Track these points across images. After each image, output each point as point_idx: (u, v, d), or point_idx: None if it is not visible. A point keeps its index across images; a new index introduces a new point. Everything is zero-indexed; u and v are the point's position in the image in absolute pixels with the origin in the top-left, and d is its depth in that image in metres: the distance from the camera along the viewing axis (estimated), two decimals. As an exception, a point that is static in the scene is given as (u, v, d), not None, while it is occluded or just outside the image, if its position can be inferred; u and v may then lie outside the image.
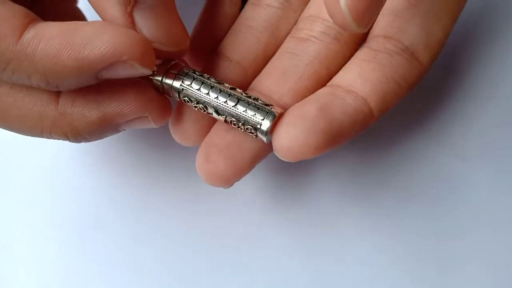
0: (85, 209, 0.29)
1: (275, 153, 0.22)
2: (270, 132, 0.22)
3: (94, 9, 0.21)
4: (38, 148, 0.30)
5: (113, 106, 0.22)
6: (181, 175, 0.29)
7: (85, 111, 0.22)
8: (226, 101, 0.22)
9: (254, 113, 0.22)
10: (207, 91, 0.23)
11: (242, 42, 0.25)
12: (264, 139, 0.22)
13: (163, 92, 0.23)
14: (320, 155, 0.22)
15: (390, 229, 0.28)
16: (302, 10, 0.26)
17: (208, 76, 0.23)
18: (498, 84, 0.30)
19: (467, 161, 0.29)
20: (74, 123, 0.22)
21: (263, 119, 0.22)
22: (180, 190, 0.29)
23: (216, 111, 0.23)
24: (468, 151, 0.29)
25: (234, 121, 0.22)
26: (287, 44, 0.25)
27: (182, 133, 0.24)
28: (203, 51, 0.26)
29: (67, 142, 0.23)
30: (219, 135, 0.24)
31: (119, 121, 0.22)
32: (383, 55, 0.23)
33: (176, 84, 0.23)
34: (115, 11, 0.21)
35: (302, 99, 0.23)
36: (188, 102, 0.23)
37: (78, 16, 0.27)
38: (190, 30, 0.26)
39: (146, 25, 0.21)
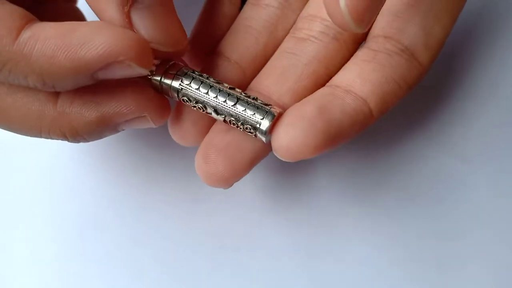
0: (84, 209, 0.29)
1: (274, 153, 0.22)
2: (269, 131, 0.22)
3: (92, 9, 0.21)
4: (37, 148, 0.30)
5: (112, 106, 0.22)
6: (180, 175, 0.29)
7: (83, 111, 0.22)
8: (225, 100, 0.22)
9: (253, 113, 0.22)
10: (206, 91, 0.23)
11: (241, 42, 0.25)
12: (263, 139, 0.22)
13: (162, 92, 0.23)
14: (319, 155, 0.22)
15: (390, 229, 0.28)
16: (301, 10, 0.26)
17: (207, 76, 0.23)
18: (498, 84, 0.30)
19: (467, 161, 0.29)
20: (73, 122, 0.22)
21: (262, 119, 0.22)
22: (179, 190, 0.29)
23: (215, 111, 0.23)
24: (468, 151, 0.29)
25: (233, 120, 0.22)
26: (286, 44, 0.25)
27: (181, 133, 0.24)
28: (202, 51, 0.26)
29: (66, 142, 0.23)
30: (218, 136, 0.23)
31: (118, 120, 0.22)
32: (382, 55, 0.23)
33: (175, 83, 0.23)
34: (113, 11, 0.21)
35: (301, 99, 0.23)
36: (187, 101, 0.23)
37: (78, 16, 0.27)
38: (189, 30, 0.26)
39: (144, 25, 0.21)
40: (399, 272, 0.27)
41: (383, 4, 0.23)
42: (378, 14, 0.24)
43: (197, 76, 0.23)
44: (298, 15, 0.26)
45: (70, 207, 0.29)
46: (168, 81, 0.23)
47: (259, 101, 0.23)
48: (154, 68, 0.23)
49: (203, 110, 0.23)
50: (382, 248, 0.28)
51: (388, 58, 0.23)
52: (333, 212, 0.28)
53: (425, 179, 0.29)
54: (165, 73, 0.23)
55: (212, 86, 0.23)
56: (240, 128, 0.22)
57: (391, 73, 0.23)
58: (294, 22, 0.26)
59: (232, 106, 0.22)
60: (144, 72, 0.20)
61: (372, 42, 0.24)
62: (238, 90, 0.23)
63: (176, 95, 0.23)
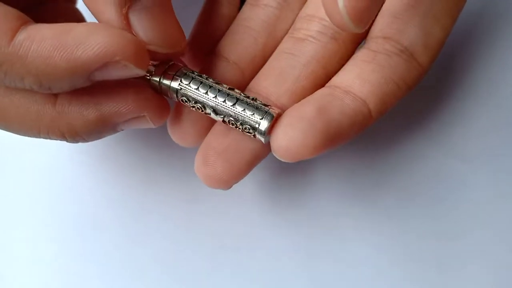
0: (83, 209, 0.29)
1: (273, 153, 0.22)
2: (268, 132, 0.22)
3: (90, 11, 0.21)
4: (36, 148, 0.30)
5: (111, 106, 0.22)
6: (180, 176, 0.29)
7: (82, 111, 0.22)
8: (224, 100, 0.22)
9: (252, 113, 0.22)
10: (205, 91, 0.23)
11: (240, 42, 0.25)
12: (262, 139, 0.22)
13: (161, 92, 0.23)
14: (319, 156, 0.22)
15: (390, 229, 0.28)
16: (300, 10, 0.26)
17: (207, 76, 0.23)
18: (498, 84, 0.30)
19: (467, 161, 0.29)
20: (72, 123, 0.22)
21: (261, 119, 0.22)
22: (178, 190, 0.29)
23: (214, 111, 0.23)
24: (468, 151, 0.29)
25: (232, 120, 0.22)
26: (285, 44, 0.25)
27: (181, 133, 0.25)
28: (201, 52, 0.26)
29: (65, 142, 0.23)
30: (217, 138, 0.24)
31: (117, 120, 0.22)
32: (382, 56, 0.23)
33: (174, 84, 0.23)
34: (111, 13, 0.21)
35: (299, 100, 0.23)
36: (186, 102, 0.23)
37: (77, 16, 0.27)
38: (188, 31, 0.26)
39: (142, 27, 0.21)
40: (399, 272, 0.27)
41: (382, 4, 0.23)
42: (377, 14, 0.24)
43: (196, 77, 0.23)
44: (297, 15, 0.26)
45: (69, 207, 0.29)
46: (167, 82, 0.23)
47: (258, 101, 0.23)
48: (153, 69, 0.23)
49: (202, 111, 0.23)
50: (382, 248, 0.28)
51: (387, 59, 0.23)
52: (333, 212, 0.28)
53: (425, 179, 0.29)
54: (164, 73, 0.23)
55: (211, 86, 0.23)
56: (239, 129, 0.23)
57: (390, 74, 0.23)
58: (293, 22, 0.26)
59: (231, 106, 0.22)
60: (140, 72, 0.20)
61: (372, 42, 0.24)
62: (237, 90, 0.23)
63: (175, 95, 0.23)
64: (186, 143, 0.25)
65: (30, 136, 0.23)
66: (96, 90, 0.22)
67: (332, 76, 0.24)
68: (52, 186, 0.29)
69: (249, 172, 0.24)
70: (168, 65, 0.23)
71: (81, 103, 0.22)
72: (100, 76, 0.20)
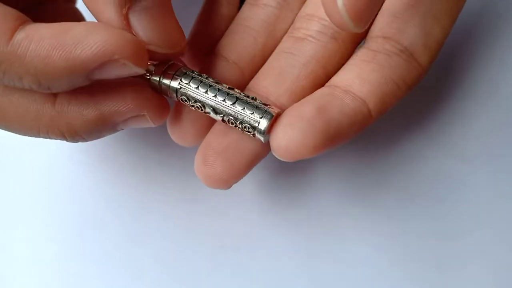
0: (83, 209, 0.29)
1: (273, 153, 0.22)
2: (267, 131, 0.22)
3: (90, 11, 0.21)
4: (36, 148, 0.30)
5: (111, 105, 0.22)
6: (180, 175, 0.29)
7: (82, 110, 0.22)
8: (224, 99, 0.22)
9: (252, 112, 0.22)
10: (205, 90, 0.23)
11: (239, 42, 0.25)
12: (262, 138, 0.22)
13: (161, 92, 0.23)
14: (319, 155, 0.22)
15: (390, 229, 0.28)
16: (300, 9, 0.26)
17: (206, 76, 0.23)
18: (498, 84, 0.30)
19: (467, 161, 0.29)
20: (72, 122, 0.22)
21: (261, 117, 0.22)
22: (178, 190, 0.29)
23: (214, 110, 0.23)
24: (468, 152, 0.29)
25: (231, 119, 0.22)
26: (284, 44, 0.25)
27: (180, 133, 0.25)
28: (201, 51, 0.26)
29: (65, 142, 0.23)
30: (216, 138, 0.24)
31: (117, 119, 0.22)
32: (381, 55, 0.23)
33: (174, 83, 0.23)
34: (111, 13, 0.21)
35: (299, 100, 0.23)
36: (185, 101, 0.23)
37: (77, 16, 0.27)
38: (188, 31, 0.26)
39: (142, 27, 0.21)
40: (399, 272, 0.27)
41: (382, 4, 0.23)
42: (377, 14, 0.24)
43: (196, 76, 0.23)
44: (297, 14, 0.26)
45: (69, 207, 0.29)
46: (167, 81, 0.23)
47: (257, 101, 0.23)
48: (153, 68, 0.23)
49: (202, 110, 0.23)
50: (382, 248, 0.28)
51: (387, 59, 0.23)
52: (333, 212, 0.28)
53: (425, 179, 0.29)
54: (163, 73, 0.23)
55: (211, 85, 0.23)
56: (239, 128, 0.23)
57: (390, 74, 0.23)
58: (293, 22, 0.26)
59: (230, 105, 0.22)
60: (139, 71, 0.20)
61: (372, 42, 0.24)
62: (237, 90, 0.23)
63: (174, 95, 0.23)
64: (186, 143, 0.25)
65: (30, 136, 0.23)
66: (96, 90, 0.22)
67: (332, 75, 0.24)
68: (51, 186, 0.29)
69: (248, 171, 0.24)
70: (168, 65, 0.23)
71: (81, 102, 0.22)
72: (99, 75, 0.20)
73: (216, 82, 0.23)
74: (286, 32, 0.25)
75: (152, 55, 0.22)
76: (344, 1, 0.19)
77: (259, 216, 0.29)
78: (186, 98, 0.23)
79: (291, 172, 0.29)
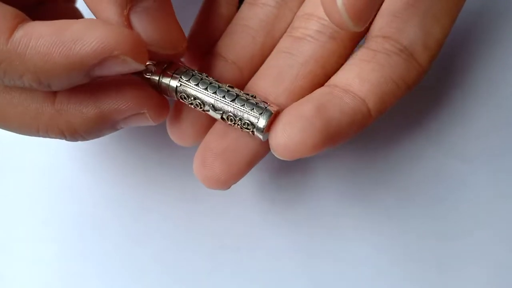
0: (83, 209, 0.29)
1: (272, 151, 0.22)
2: (266, 129, 0.22)
3: (91, 11, 0.21)
4: (36, 148, 0.30)
5: (110, 103, 0.22)
6: (180, 175, 0.29)
7: (82, 108, 0.22)
8: (223, 96, 0.22)
9: (251, 108, 0.22)
10: (205, 87, 0.23)
11: (238, 42, 0.25)
12: (261, 136, 0.22)
13: (161, 91, 0.23)
14: (319, 155, 0.22)
15: (390, 229, 0.28)
16: (298, 9, 0.26)
17: (206, 75, 0.23)
18: (498, 84, 0.30)
19: (467, 161, 0.29)
20: (71, 120, 0.22)
21: (261, 113, 0.22)
22: (178, 190, 0.29)
23: (213, 107, 0.23)
24: (468, 151, 0.29)
25: (231, 116, 0.22)
26: (283, 44, 0.25)
27: (180, 133, 0.25)
28: (200, 51, 0.26)
29: (64, 141, 0.23)
30: (215, 139, 0.24)
31: (117, 118, 0.22)
32: (381, 55, 0.23)
33: (174, 81, 0.23)
34: (112, 14, 0.21)
35: (297, 100, 0.23)
36: (185, 98, 0.23)
37: (77, 16, 0.27)
38: (187, 30, 0.26)
39: (143, 28, 0.21)
40: (399, 272, 0.27)
41: (381, 3, 0.23)
42: (376, 13, 0.24)
43: (196, 74, 0.23)
44: (295, 13, 0.26)
45: (69, 207, 0.29)
46: (167, 80, 0.23)
47: (257, 99, 0.23)
48: (153, 68, 0.23)
49: (201, 107, 0.23)
50: (382, 248, 0.28)
51: (387, 58, 0.23)
52: (333, 212, 0.28)
53: (425, 179, 0.29)
54: (163, 72, 0.23)
55: (211, 83, 0.23)
56: (238, 125, 0.23)
57: (390, 73, 0.23)
58: (292, 21, 0.26)
59: (230, 101, 0.22)
60: (139, 67, 0.20)
61: (371, 42, 0.24)
62: (236, 89, 0.23)
63: (174, 93, 0.23)
64: (185, 143, 0.25)
65: (29, 135, 0.23)
66: (96, 88, 0.22)
67: (331, 75, 0.24)
68: (51, 186, 0.29)
69: (248, 172, 0.24)
70: (168, 64, 0.23)
71: (81, 100, 0.22)
72: (99, 71, 0.20)
73: (216, 81, 0.23)
74: (285, 32, 0.25)
75: (152, 55, 0.22)
76: (344, 0, 0.19)
77: (259, 216, 0.29)
78: (185, 96, 0.23)
79: (291, 172, 0.29)
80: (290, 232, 0.28)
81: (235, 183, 0.24)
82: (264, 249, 0.28)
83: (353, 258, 0.28)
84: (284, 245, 0.28)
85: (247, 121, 0.22)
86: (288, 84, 0.24)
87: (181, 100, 0.23)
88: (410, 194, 0.29)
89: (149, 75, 0.23)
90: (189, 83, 0.23)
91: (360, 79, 0.23)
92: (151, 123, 0.23)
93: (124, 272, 0.28)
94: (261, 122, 0.22)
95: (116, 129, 0.23)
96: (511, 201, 0.28)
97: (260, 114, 0.22)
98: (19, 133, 0.23)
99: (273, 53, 0.25)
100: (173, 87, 0.23)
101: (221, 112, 0.23)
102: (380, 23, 0.24)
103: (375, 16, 0.24)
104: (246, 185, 0.29)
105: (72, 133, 0.22)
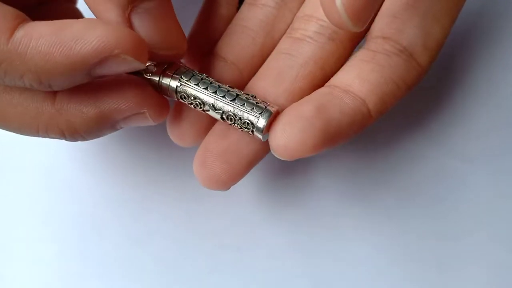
0: (83, 209, 0.29)
1: (272, 152, 0.22)
2: (266, 128, 0.22)
3: (93, 12, 0.21)
4: (36, 148, 0.30)
5: (111, 102, 0.22)
6: (180, 175, 0.29)
7: (82, 108, 0.22)
8: (224, 95, 0.22)
9: (251, 108, 0.22)
10: (205, 86, 0.23)
11: (238, 42, 0.25)
12: (260, 136, 0.22)
13: (161, 91, 0.23)
14: (319, 155, 0.22)
15: (390, 229, 0.28)
16: (298, 9, 0.26)
17: (206, 75, 0.23)
18: (498, 84, 0.30)
19: (467, 161, 0.29)
20: (71, 120, 0.22)
21: (260, 113, 0.22)
22: (178, 190, 0.29)
23: (213, 106, 0.23)
24: (468, 152, 0.29)
25: (231, 115, 0.22)
26: (282, 45, 0.25)
27: (179, 134, 0.25)
28: (200, 52, 0.26)
29: (64, 142, 0.23)
30: (215, 140, 0.24)
31: (117, 117, 0.22)
32: (381, 56, 0.23)
33: (175, 81, 0.23)
34: (114, 15, 0.21)
35: (297, 100, 0.23)
36: (185, 98, 0.23)
37: (78, 17, 0.27)
38: (187, 30, 0.26)
39: (144, 29, 0.21)
40: (399, 272, 0.27)
41: (381, 3, 0.23)
42: (375, 13, 0.24)
43: (197, 74, 0.23)
44: (295, 14, 0.26)
45: (69, 207, 0.29)
46: (167, 80, 0.23)
47: (257, 98, 0.23)
48: (154, 68, 0.23)
49: (201, 107, 0.23)
50: (382, 248, 0.28)
51: (387, 59, 0.23)
52: (333, 212, 0.28)
53: (425, 179, 0.29)
54: (163, 72, 0.23)
55: (212, 83, 0.23)
56: (238, 124, 0.23)
57: (390, 74, 0.23)
58: (291, 22, 0.26)
59: (230, 101, 0.22)
60: (140, 66, 0.20)
61: (371, 43, 0.24)
62: (236, 89, 0.23)
63: (174, 94, 0.23)
64: (185, 143, 0.25)
65: (29, 135, 0.23)
66: (96, 87, 0.22)
67: (330, 76, 0.24)
68: (51, 186, 0.30)
69: (247, 172, 0.24)
70: (168, 65, 0.23)
71: (81, 100, 0.22)
72: (100, 71, 0.20)
73: (216, 81, 0.23)
74: (284, 32, 0.25)
75: (153, 56, 0.22)
76: (343, 1, 0.19)
77: (259, 216, 0.29)
78: (185, 96, 0.23)
79: (291, 172, 0.29)
80: (290, 232, 0.28)
81: (235, 184, 0.24)
82: (264, 249, 0.28)
83: (353, 258, 0.28)
84: (284, 245, 0.28)
85: (247, 120, 0.22)
86: (287, 85, 0.24)
87: (181, 100, 0.23)
88: (410, 194, 0.29)
89: (149, 76, 0.23)
90: (189, 83, 0.23)
91: (360, 80, 0.23)
92: (151, 123, 0.23)
93: (124, 272, 0.28)
94: (261, 122, 0.22)
95: (116, 129, 0.23)
96: (511, 201, 0.28)
97: (260, 113, 0.22)
98: (19, 133, 0.23)
99: (272, 54, 0.25)
100: (173, 87, 0.23)
101: (221, 111, 0.23)
102: (380, 24, 0.24)
103: (374, 16, 0.24)
104: (246, 185, 0.29)
105: (72, 133, 0.22)
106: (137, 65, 0.20)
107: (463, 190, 0.28)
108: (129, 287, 0.28)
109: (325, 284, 0.27)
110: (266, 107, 0.22)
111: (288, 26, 0.26)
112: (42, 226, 0.29)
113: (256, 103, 0.22)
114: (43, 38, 0.19)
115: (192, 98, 0.23)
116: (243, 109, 0.22)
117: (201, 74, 0.23)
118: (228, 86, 0.23)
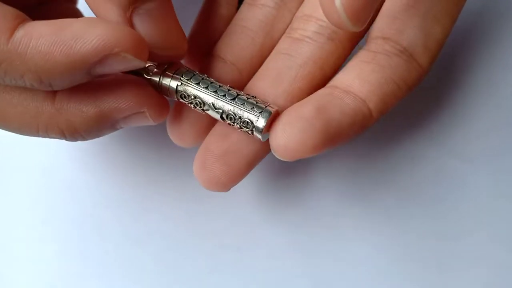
0: (83, 209, 0.29)
1: (272, 152, 0.22)
2: (265, 128, 0.22)
3: (94, 13, 0.21)
4: (35, 148, 0.30)
5: (111, 102, 0.22)
6: (180, 175, 0.29)
7: (82, 107, 0.22)
8: (224, 95, 0.23)
9: (251, 107, 0.22)
10: (205, 86, 0.23)
11: (237, 43, 0.25)
12: (260, 136, 0.22)
13: (161, 91, 0.23)
14: (319, 156, 0.22)
15: (390, 229, 0.28)
16: (297, 10, 0.26)
17: (207, 75, 0.23)
18: (498, 84, 0.30)
19: (467, 161, 0.29)
20: (71, 119, 0.22)
21: (260, 112, 0.22)
22: (178, 190, 0.29)
23: (213, 106, 0.23)
24: (468, 152, 0.29)
25: (231, 115, 0.22)
26: (282, 45, 0.25)
27: (180, 134, 0.25)
28: (199, 52, 0.26)
29: (64, 142, 0.23)
30: (215, 141, 0.24)
31: (117, 116, 0.22)
32: (381, 56, 0.23)
33: (175, 80, 0.23)
34: (115, 15, 0.21)
35: (296, 101, 0.23)
36: (185, 98, 0.23)
37: (78, 16, 0.27)
38: (187, 30, 0.26)
39: (145, 29, 0.21)
40: (399, 272, 0.27)
41: (381, 3, 0.23)
42: (375, 12, 0.24)
43: (197, 74, 0.23)
44: (294, 14, 0.25)
45: (69, 207, 0.29)
46: (167, 80, 0.23)
47: (257, 98, 0.23)
48: (154, 68, 0.23)
49: (201, 107, 0.23)
50: (382, 248, 0.28)
51: (387, 59, 0.23)
52: (333, 212, 0.28)
53: (425, 179, 0.29)
54: (164, 72, 0.23)
55: (212, 82, 0.23)
56: (237, 124, 0.23)
57: (390, 74, 0.23)
58: (290, 22, 0.26)
59: (230, 100, 0.22)
60: (140, 64, 0.20)
61: (371, 43, 0.24)
62: (237, 89, 0.23)
63: (174, 94, 0.23)
64: (185, 144, 0.25)
65: (29, 135, 0.23)
66: (96, 87, 0.22)
67: (330, 76, 0.24)
68: (52, 186, 0.30)
69: (248, 173, 0.24)
70: (168, 65, 0.23)
71: (81, 99, 0.22)
72: (101, 69, 0.20)
73: (216, 81, 0.23)
74: (284, 32, 0.25)
75: (153, 56, 0.22)
76: (342, 1, 0.19)
77: (259, 216, 0.29)
78: (185, 95, 0.23)
79: (291, 172, 0.29)
80: (290, 232, 0.28)
81: (235, 185, 0.24)
82: (264, 249, 0.28)
83: (353, 258, 0.28)
84: (284, 245, 0.28)
85: (247, 120, 0.22)
86: (287, 85, 0.24)
87: (181, 99, 0.23)
88: (410, 194, 0.29)
89: (149, 76, 0.23)
90: (190, 82, 0.23)
91: (360, 80, 0.23)
92: (151, 122, 0.23)
93: (124, 272, 0.28)
94: (260, 122, 0.22)
95: (116, 129, 0.23)
96: (511, 201, 0.28)
97: (259, 113, 0.22)
98: (19, 133, 0.23)
99: (272, 54, 0.25)
100: (173, 87, 0.23)
101: (221, 111, 0.23)
102: (380, 24, 0.24)
103: (375, 17, 0.24)
104: (246, 185, 0.29)
105: (72, 133, 0.22)
106: (137, 63, 0.20)
107: (463, 190, 0.28)
108: (129, 287, 0.28)
109: (325, 284, 0.27)
110: (266, 107, 0.22)
111: (287, 26, 0.25)
112: (42, 226, 0.29)
113: (256, 102, 0.22)
114: (43, 37, 0.19)
115: (192, 97, 0.23)
116: (243, 108, 0.22)
117: (202, 75, 0.23)
118: (229, 87, 0.23)
